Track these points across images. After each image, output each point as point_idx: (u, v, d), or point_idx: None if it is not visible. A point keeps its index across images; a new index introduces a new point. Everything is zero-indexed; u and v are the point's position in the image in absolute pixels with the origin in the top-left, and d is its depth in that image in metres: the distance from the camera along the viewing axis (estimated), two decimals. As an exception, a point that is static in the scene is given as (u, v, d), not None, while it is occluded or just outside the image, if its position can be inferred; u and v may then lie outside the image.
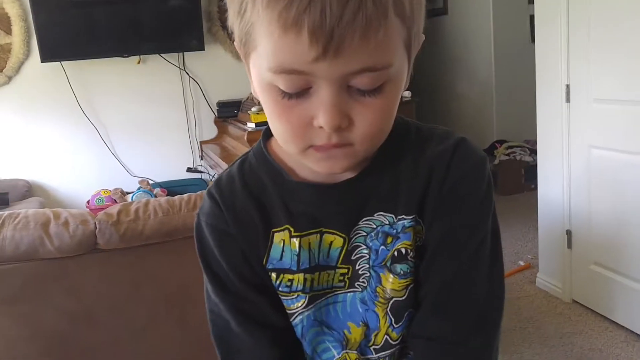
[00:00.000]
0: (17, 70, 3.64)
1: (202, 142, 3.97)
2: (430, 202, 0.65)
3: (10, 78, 3.63)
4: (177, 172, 3.97)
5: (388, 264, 0.67)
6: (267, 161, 0.68)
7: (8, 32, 3.57)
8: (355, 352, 0.70)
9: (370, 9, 0.49)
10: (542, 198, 2.79)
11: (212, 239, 0.68)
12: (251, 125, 3.14)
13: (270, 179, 0.68)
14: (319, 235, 0.67)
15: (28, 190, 3.61)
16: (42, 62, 3.52)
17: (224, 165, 3.22)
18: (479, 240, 0.66)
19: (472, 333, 0.66)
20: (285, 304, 0.69)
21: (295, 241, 0.66)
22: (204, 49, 3.79)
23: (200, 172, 4.03)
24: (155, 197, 3.41)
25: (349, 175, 0.66)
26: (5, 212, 1.64)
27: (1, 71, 3.60)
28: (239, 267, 0.67)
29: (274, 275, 0.68)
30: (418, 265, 0.67)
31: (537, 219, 2.85)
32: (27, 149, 3.73)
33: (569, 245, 2.62)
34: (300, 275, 0.67)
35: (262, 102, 0.58)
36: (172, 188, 3.74)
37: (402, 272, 0.67)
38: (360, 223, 0.66)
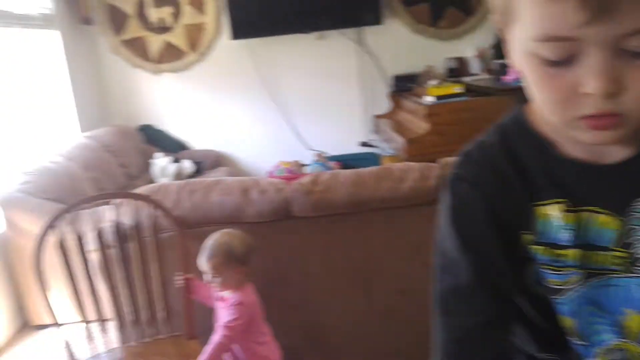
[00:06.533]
0: (210, 47, 3.95)
1: (375, 116, 3.99)
2: None
3: (203, 55, 3.96)
4: (350, 146, 4.05)
5: None
6: (527, 132, 0.65)
7: (201, 11, 3.88)
8: (638, 344, 0.65)
9: None
10: None
11: (480, 198, 0.65)
12: (428, 99, 3.08)
13: (530, 151, 0.65)
14: (589, 212, 0.63)
15: (217, 160, 3.94)
16: (233, 39, 3.76)
17: (398, 139, 3.20)
18: None
19: None
20: (551, 278, 0.65)
21: (570, 215, 0.63)
22: (380, 23, 3.78)
23: (373, 146, 4.06)
24: (331, 169, 3.52)
25: (624, 154, 0.61)
26: (210, 178, 1.80)
27: (196, 49, 3.93)
28: (500, 230, 0.65)
29: (540, 249, 0.65)
30: None
31: None
32: (217, 122, 4.07)
33: None
34: (575, 252, 0.63)
35: (524, 73, 0.58)
36: (345, 161, 3.82)
37: None
38: (634, 203, 0.61)
